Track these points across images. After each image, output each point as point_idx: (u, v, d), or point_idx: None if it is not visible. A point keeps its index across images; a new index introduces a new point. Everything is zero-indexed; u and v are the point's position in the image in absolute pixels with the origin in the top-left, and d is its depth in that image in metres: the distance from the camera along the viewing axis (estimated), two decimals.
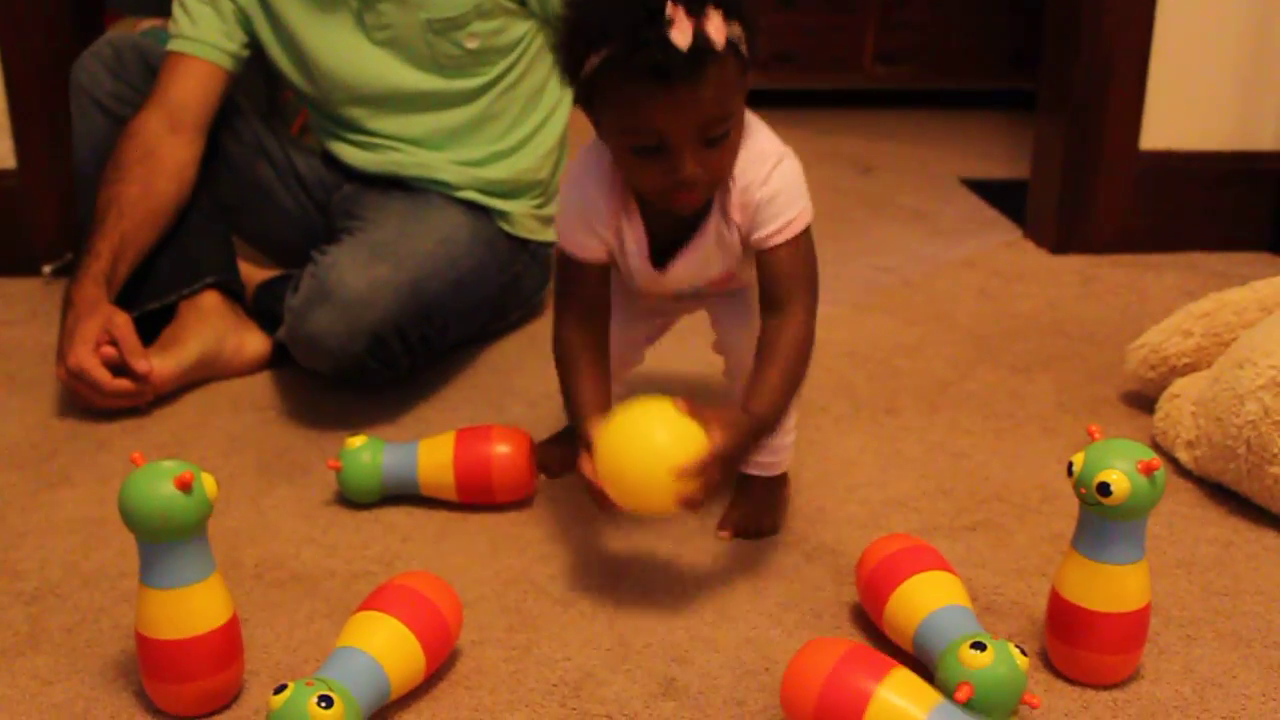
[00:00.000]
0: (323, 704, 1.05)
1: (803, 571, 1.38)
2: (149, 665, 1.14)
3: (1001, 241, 2.55)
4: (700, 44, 1.17)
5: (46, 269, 2.29)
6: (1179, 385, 1.68)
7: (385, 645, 1.13)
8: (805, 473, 1.59)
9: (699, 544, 1.44)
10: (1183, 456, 1.60)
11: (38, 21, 2.27)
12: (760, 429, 1.27)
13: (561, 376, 1.38)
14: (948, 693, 1.10)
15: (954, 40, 3.72)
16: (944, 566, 1.25)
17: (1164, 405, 1.67)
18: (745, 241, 1.34)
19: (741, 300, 1.45)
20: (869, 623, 1.27)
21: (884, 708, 1.05)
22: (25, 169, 2.30)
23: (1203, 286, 2.23)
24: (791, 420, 1.43)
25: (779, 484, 1.49)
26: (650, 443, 1.19)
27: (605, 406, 1.32)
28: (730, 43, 1.20)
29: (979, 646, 1.11)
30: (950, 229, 2.62)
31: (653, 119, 1.20)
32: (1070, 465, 1.17)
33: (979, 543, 1.44)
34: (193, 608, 1.12)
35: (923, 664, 1.17)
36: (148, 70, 1.93)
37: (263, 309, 1.98)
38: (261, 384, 1.87)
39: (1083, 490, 1.15)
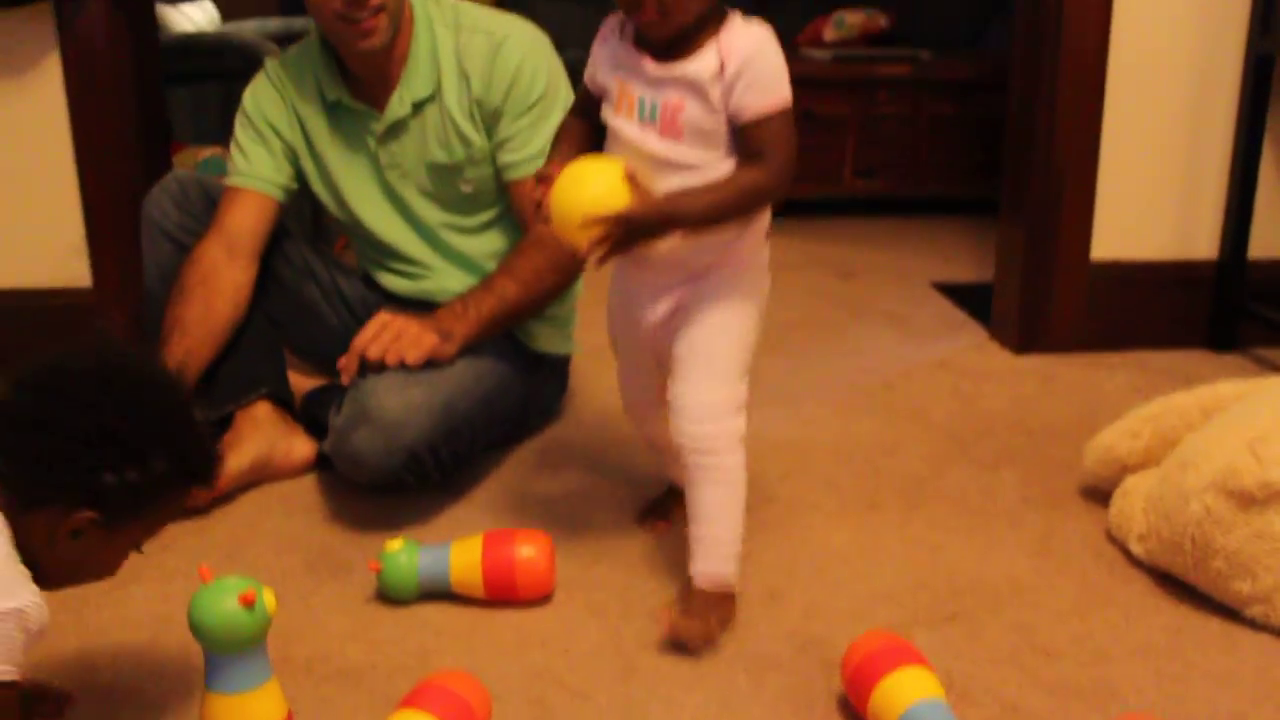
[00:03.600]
0: None
1: (796, 663, 1.39)
2: None
3: (970, 343, 2.57)
4: None
5: None
6: (1130, 482, 1.69)
7: None
8: (798, 567, 1.60)
9: None
10: (1135, 548, 1.61)
11: (112, 153, 2.30)
12: (670, 217, 1.31)
13: (559, 128, 1.50)
14: None
15: (924, 155, 3.77)
16: (921, 661, 1.25)
17: (1117, 501, 1.68)
18: (722, 106, 1.32)
19: (704, 350, 1.43)
20: (856, 714, 1.27)
21: None
22: (100, 288, 2.33)
23: (1150, 383, 2.25)
24: (737, 541, 1.43)
25: (719, 601, 1.44)
26: (579, 188, 1.30)
27: (578, 153, 1.40)
28: None
29: None
30: (924, 331, 2.64)
31: None
32: None
33: (955, 634, 1.45)
34: (252, 711, 1.13)
35: None
36: (209, 203, 1.96)
37: (309, 415, 2.00)
38: (308, 486, 1.88)
39: None
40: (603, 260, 1.33)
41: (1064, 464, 1.91)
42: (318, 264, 2.05)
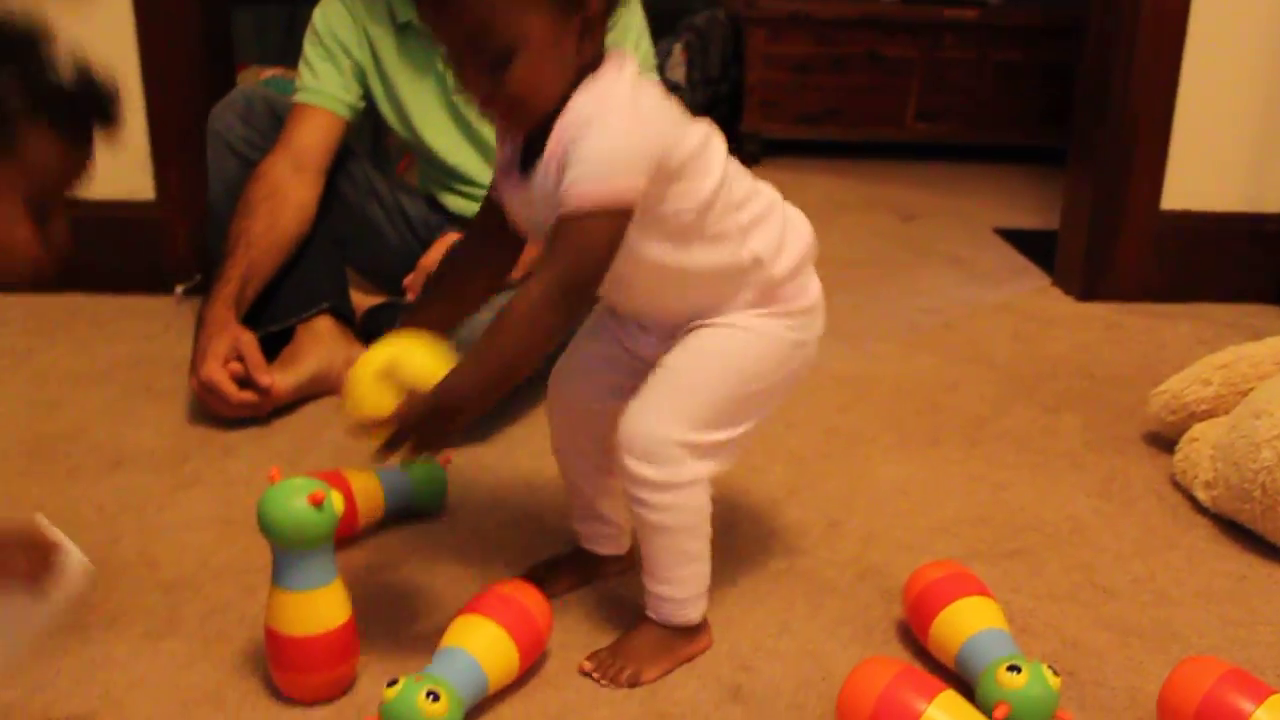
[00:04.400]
0: (430, 698, 1.07)
1: (855, 590, 1.38)
2: (277, 656, 1.16)
3: (1032, 288, 2.53)
4: None
5: (179, 289, 2.32)
6: (1198, 429, 1.66)
7: (485, 646, 1.15)
8: (857, 498, 1.60)
9: (763, 563, 1.44)
10: (1201, 495, 1.58)
11: (177, 72, 2.31)
12: (442, 409, 1.07)
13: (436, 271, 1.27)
14: (987, 711, 1.10)
15: (989, 101, 3.71)
16: (984, 592, 1.24)
17: (1184, 447, 1.66)
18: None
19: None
20: (914, 640, 1.27)
21: None
22: (163, 200, 2.34)
23: (1215, 336, 2.22)
24: (698, 575, 1.22)
25: (666, 636, 1.23)
26: (349, 389, 1.10)
27: (450, 307, 1.22)
28: None
29: (1015, 669, 1.11)
30: (985, 275, 2.61)
31: (423, 16, 1.06)
32: None
33: (1015, 569, 1.44)
34: (318, 608, 1.14)
35: (964, 682, 1.17)
36: (274, 119, 1.96)
37: (369, 332, 2.00)
38: None
39: None
40: (407, 460, 1.10)
41: (1127, 410, 1.89)
42: (381, 184, 2.05)
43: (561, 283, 1.05)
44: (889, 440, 1.77)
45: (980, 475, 1.67)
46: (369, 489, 1.46)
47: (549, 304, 1.06)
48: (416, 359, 1.10)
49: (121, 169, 2.33)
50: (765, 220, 1.19)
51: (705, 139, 1.14)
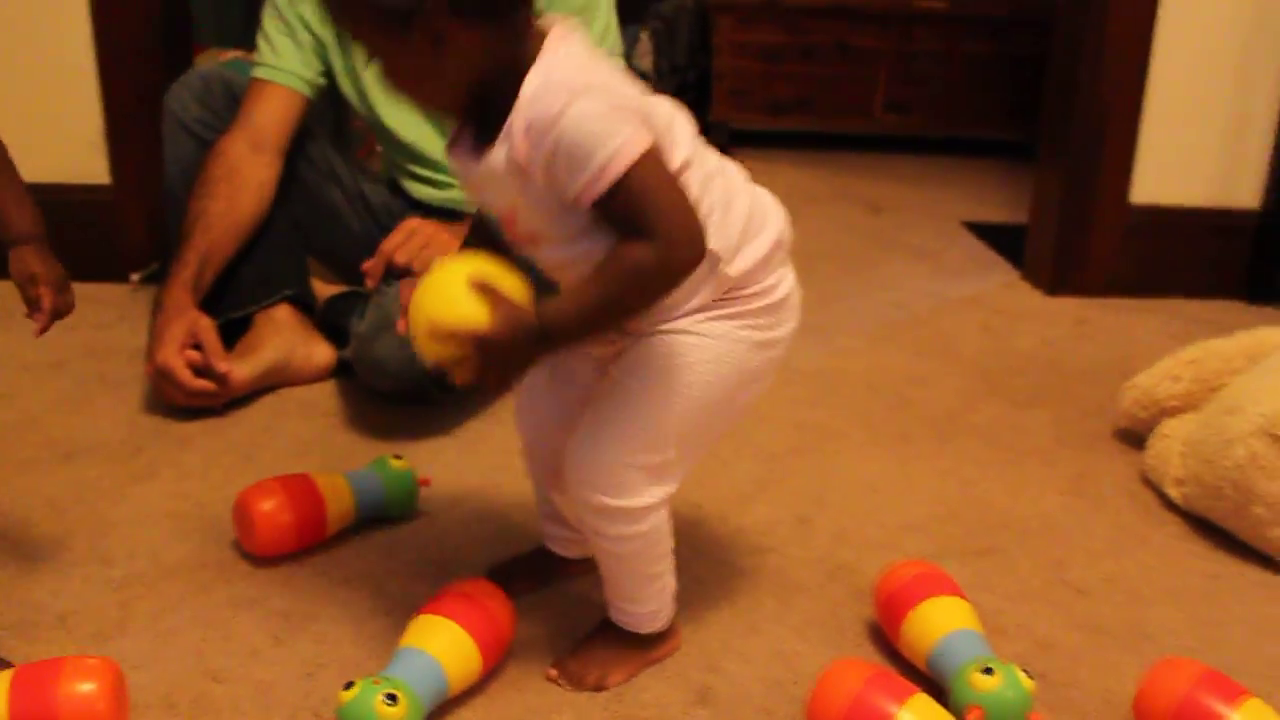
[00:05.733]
0: (388, 701, 1.03)
1: (825, 589, 1.36)
2: None
3: (1001, 282, 2.52)
4: None
5: (134, 277, 2.27)
6: (1168, 426, 1.65)
7: (445, 647, 1.11)
8: (828, 494, 1.57)
9: (731, 560, 1.41)
10: (1172, 492, 1.57)
11: (133, 53, 2.25)
12: (542, 337, 1.00)
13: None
14: (959, 714, 1.07)
15: (958, 93, 3.70)
16: (956, 591, 1.22)
17: (1154, 444, 1.64)
18: (559, 192, 1.01)
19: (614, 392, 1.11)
20: (886, 641, 1.25)
21: None
22: (118, 185, 2.28)
23: (1185, 330, 2.21)
24: (663, 589, 1.18)
25: (632, 641, 1.19)
26: (426, 293, 1.01)
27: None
28: None
29: (988, 671, 1.09)
30: (954, 268, 2.60)
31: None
32: None
33: (986, 567, 1.42)
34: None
35: (936, 684, 1.15)
36: (232, 99, 1.91)
37: (329, 322, 1.96)
38: (327, 391, 1.85)
39: None
40: (470, 385, 1.03)
41: (1097, 406, 1.87)
42: (341, 167, 2.00)
43: (674, 226, 0.98)
44: (859, 436, 1.75)
45: (950, 471, 1.65)
46: (340, 493, 1.41)
47: (664, 251, 0.98)
48: (507, 277, 1.02)
49: (76, 152, 2.28)
50: (726, 210, 1.08)
51: (671, 112, 1.08)
